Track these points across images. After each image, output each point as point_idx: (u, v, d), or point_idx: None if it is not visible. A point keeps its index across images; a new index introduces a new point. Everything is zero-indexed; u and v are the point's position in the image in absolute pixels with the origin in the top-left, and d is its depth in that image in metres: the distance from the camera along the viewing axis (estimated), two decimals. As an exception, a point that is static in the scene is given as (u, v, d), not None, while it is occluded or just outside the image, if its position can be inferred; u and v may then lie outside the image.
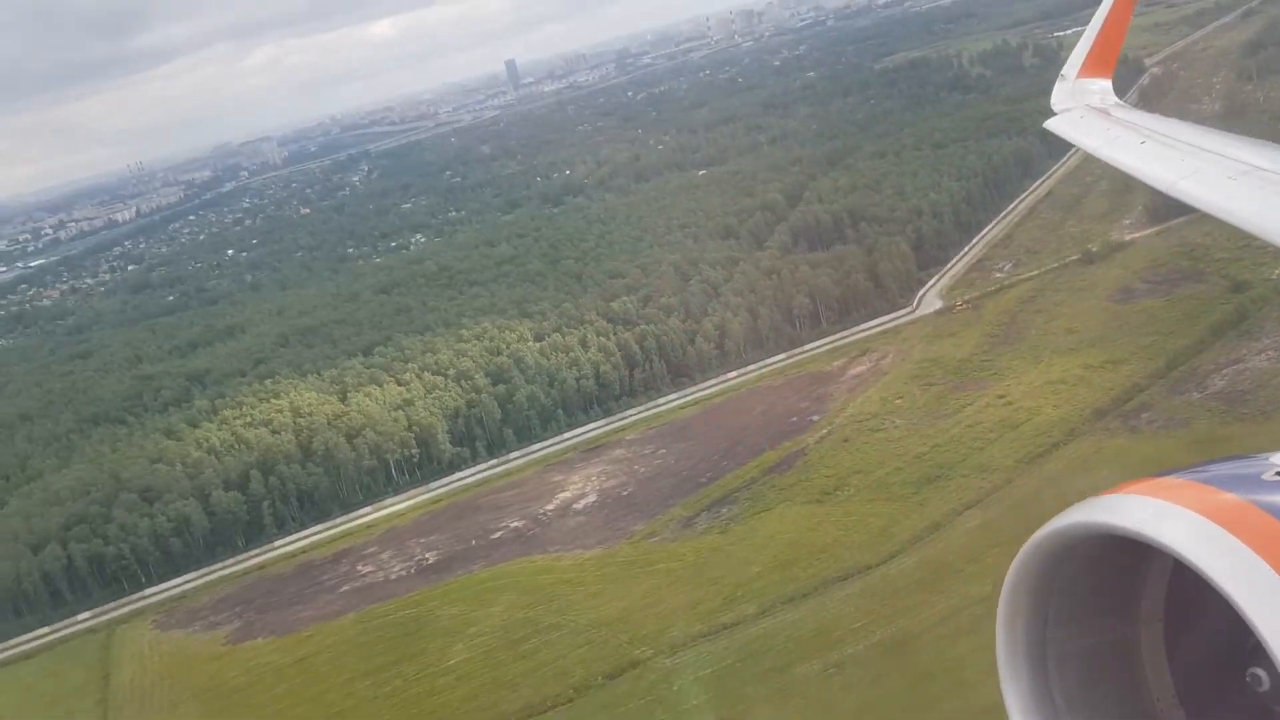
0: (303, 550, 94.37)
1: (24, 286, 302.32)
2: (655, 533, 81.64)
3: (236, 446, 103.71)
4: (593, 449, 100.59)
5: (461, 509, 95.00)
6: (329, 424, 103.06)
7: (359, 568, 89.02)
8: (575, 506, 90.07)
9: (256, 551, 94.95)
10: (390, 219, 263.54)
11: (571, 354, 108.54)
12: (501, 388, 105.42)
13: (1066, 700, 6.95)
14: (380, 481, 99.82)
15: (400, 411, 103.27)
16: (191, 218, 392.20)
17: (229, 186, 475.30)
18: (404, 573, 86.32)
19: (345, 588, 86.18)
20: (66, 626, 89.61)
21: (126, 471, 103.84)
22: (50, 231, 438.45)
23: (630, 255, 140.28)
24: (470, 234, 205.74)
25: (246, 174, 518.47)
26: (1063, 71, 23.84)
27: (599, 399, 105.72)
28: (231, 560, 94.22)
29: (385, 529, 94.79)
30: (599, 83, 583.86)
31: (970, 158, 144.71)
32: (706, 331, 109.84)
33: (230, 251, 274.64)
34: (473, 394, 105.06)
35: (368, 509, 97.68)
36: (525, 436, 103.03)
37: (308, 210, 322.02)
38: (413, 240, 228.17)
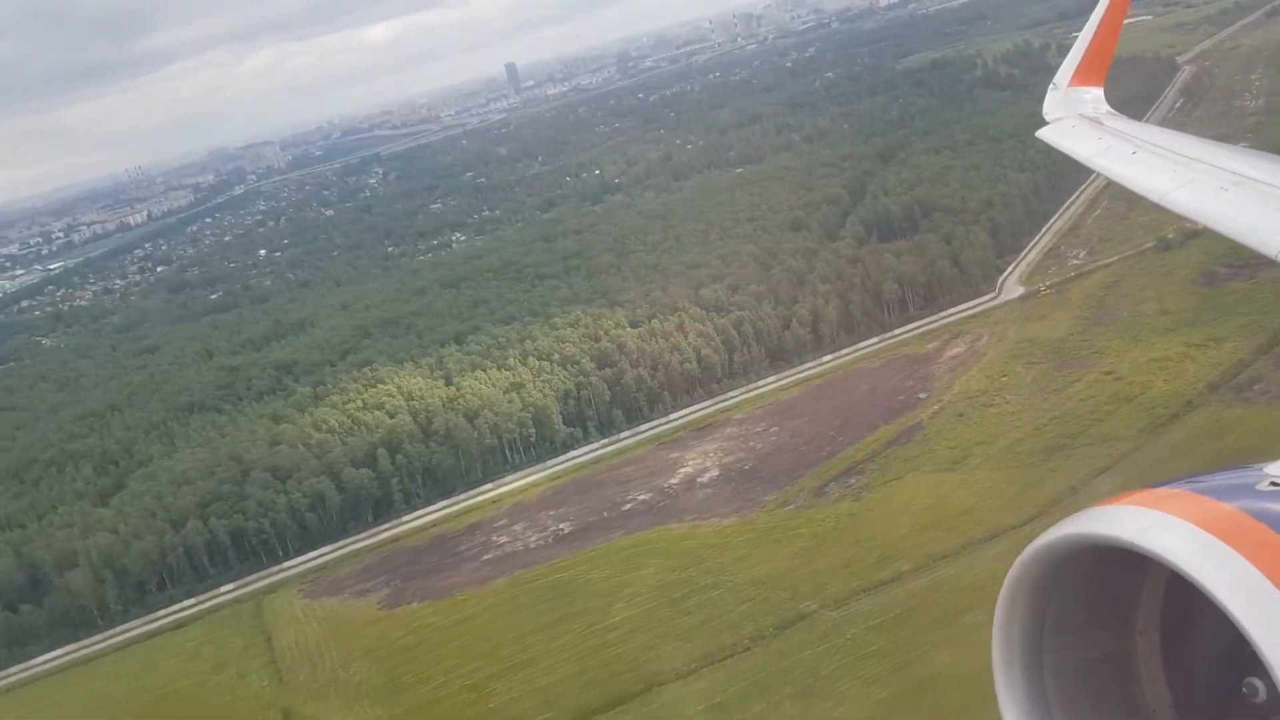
0: (433, 524, 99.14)
1: (51, 288, 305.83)
2: (788, 501, 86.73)
3: (355, 428, 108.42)
4: (703, 428, 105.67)
5: (584, 484, 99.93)
6: (445, 406, 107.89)
7: (494, 539, 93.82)
8: (700, 480, 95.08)
9: (386, 526, 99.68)
10: (421, 219, 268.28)
11: (671, 339, 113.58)
12: (608, 371, 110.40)
13: (1063, 711, 6.99)
14: (499, 460, 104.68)
15: (513, 394, 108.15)
16: (208, 220, 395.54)
17: (238, 190, 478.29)
18: (541, 542, 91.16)
19: (486, 556, 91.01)
20: (212, 597, 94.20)
21: (249, 453, 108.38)
22: (61, 235, 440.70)
23: (703, 247, 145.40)
24: (515, 231, 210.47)
25: (254, 177, 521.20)
26: (1054, 80, 24.23)
27: (701, 381, 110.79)
28: (364, 534, 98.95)
29: (511, 504, 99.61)
30: (603, 85, 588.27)
31: (1030, 151, 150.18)
32: (801, 316, 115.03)
33: (263, 252, 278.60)
34: (580, 377, 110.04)
35: (489, 485, 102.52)
36: (634, 417, 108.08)
37: (331, 212, 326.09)
38: (453, 239, 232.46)
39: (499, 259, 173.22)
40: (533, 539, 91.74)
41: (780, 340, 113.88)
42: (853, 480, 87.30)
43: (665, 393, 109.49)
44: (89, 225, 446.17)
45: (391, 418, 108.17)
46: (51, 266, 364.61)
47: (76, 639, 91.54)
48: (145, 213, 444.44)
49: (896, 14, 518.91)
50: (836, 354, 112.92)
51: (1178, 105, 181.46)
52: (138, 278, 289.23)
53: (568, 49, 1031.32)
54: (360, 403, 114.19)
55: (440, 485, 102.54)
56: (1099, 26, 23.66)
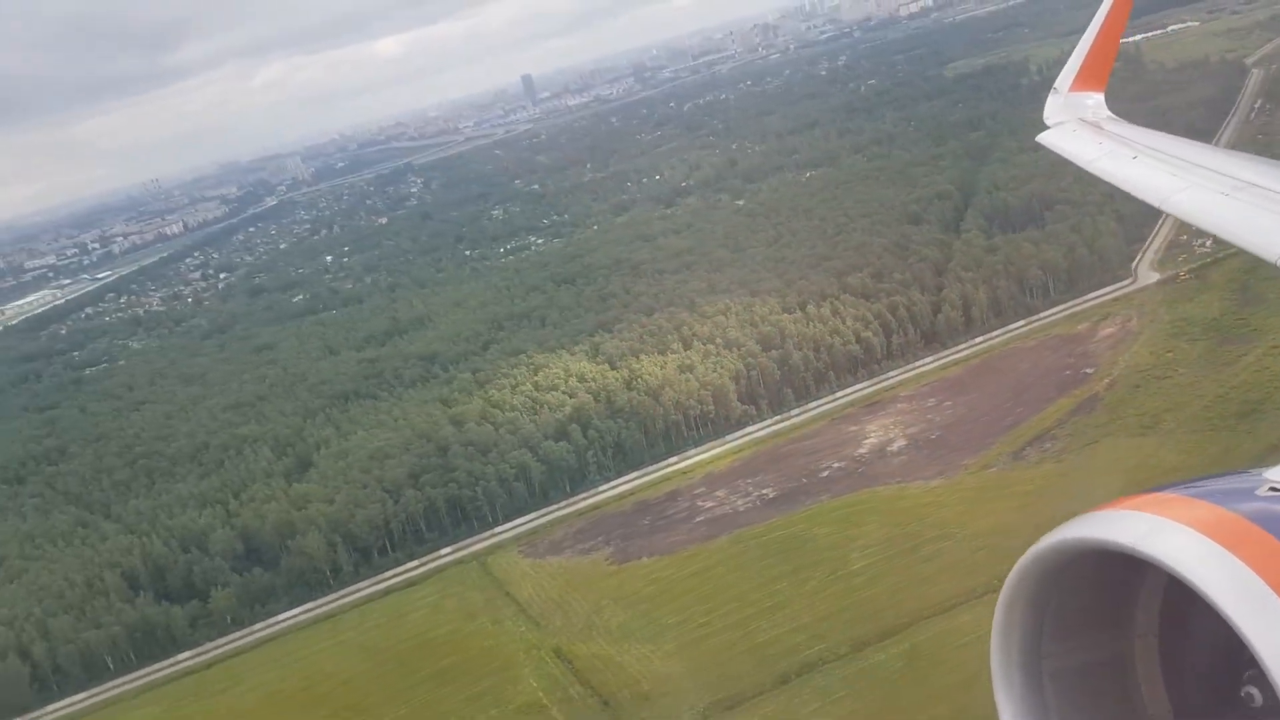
0: (630, 492, 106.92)
1: (112, 295, 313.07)
2: (989, 464, 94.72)
3: (537, 407, 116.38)
4: (872, 404, 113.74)
5: (771, 456, 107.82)
6: (625, 386, 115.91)
7: (699, 504, 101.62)
8: (889, 449, 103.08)
9: (584, 495, 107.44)
10: (486, 224, 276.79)
11: (829, 323, 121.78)
12: (775, 352, 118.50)
13: (1062, 715, 7.20)
14: (681, 435, 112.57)
15: (687, 374, 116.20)
16: (250, 229, 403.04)
17: (271, 201, 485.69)
18: (749, 506, 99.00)
19: (699, 519, 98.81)
20: (434, 559, 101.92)
21: (439, 432, 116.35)
22: (97, 246, 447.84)
23: (825, 241, 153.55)
24: (596, 234, 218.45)
25: (283, 189, 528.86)
26: (1055, 85, 24.92)
27: (863, 362, 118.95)
28: (564, 502, 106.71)
29: (702, 474, 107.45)
30: (626, 95, 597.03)
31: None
32: (951, 301, 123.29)
33: (329, 258, 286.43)
34: (748, 358, 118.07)
35: (674, 459, 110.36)
36: (802, 396, 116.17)
37: (384, 219, 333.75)
38: (531, 242, 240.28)
39: (606, 257, 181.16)
40: (739, 503, 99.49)
41: (933, 324, 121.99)
42: (1047, 445, 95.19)
43: (830, 372, 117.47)
44: (124, 236, 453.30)
45: (572, 397, 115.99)
46: (100, 275, 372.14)
47: (312, 598, 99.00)
48: (180, 224, 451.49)
49: (920, 23, 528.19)
50: (987, 336, 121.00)
51: (1257, 106, 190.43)
52: (202, 284, 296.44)
53: (573, 61, 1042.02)
54: (531, 385, 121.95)
55: (628, 458, 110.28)
56: (1100, 32, 24.33)
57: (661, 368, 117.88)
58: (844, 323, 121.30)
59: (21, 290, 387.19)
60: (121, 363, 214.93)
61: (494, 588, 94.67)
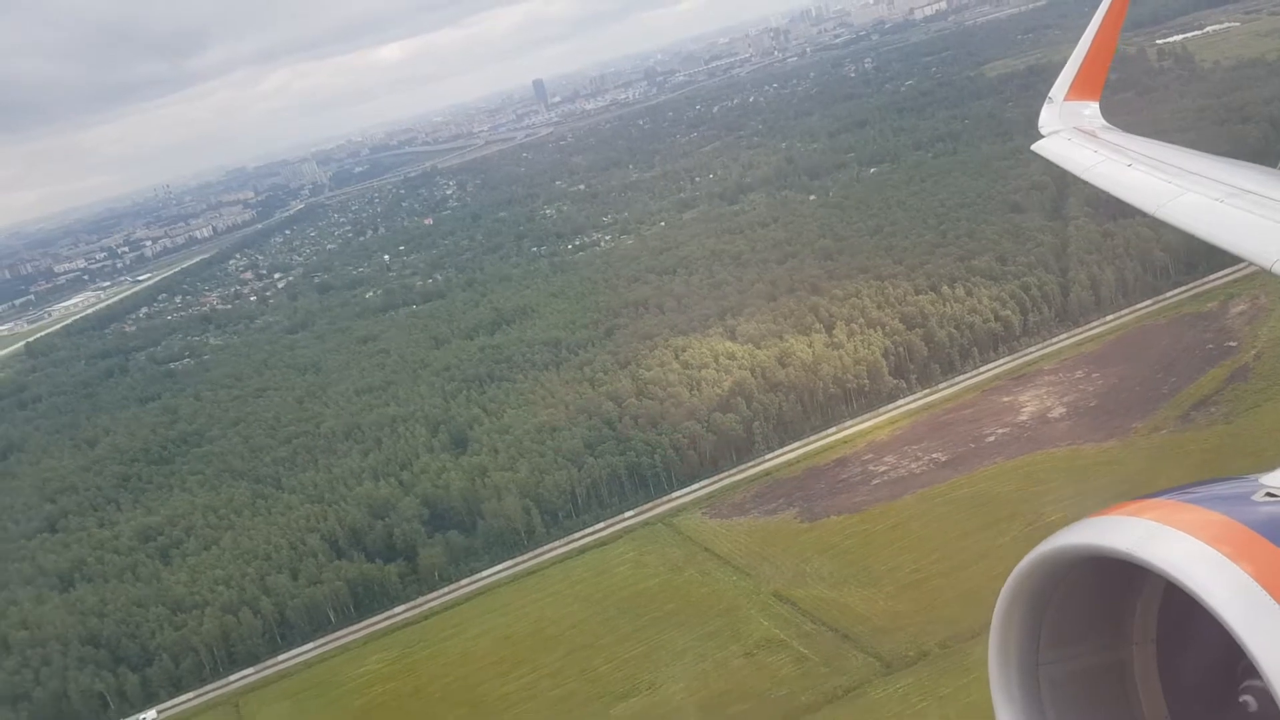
0: (797, 460, 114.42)
1: (164, 295, 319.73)
2: (1159, 428, 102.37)
3: (694, 384, 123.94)
4: (1018, 377, 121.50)
5: (930, 425, 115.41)
6: (779, 362, 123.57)
7: (870, 468, 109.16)
8: (1049, 416, 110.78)
9: (751, 464, 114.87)
10: (541, 222, 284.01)
11: (965, 303, 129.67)
12: (919, 330, 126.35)
13: None
14: (837, 408, 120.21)
15: (838, 350, 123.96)
16: (287, 232, 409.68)
17: (298, 205, 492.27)
18: (923, 468, 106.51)
19: (875, 481, 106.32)
20: (618, 521, 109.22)
21: (599, 408, 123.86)
22: (126, 249, 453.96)
23: (932, 229, 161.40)
24: (668, 230, 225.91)
25: (306, 192, 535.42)
26: (1050, 94, 25.62)
27: (1002, 339, 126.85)
28: (734, 470, 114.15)
29: (864, 443, 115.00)
30: (645, 99, 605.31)
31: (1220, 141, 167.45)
32: (1081, 281, 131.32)
33: (386, 256, 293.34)
34: (894, 335, 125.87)
35: (832, 430, 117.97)
36: (948, 371, 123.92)
37: (430, 220, 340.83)
38: (599, 239, 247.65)
39: (700, 249, 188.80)
40: (913, 466, 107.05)
41: (1064, 303, 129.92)
42: (1212, 410, 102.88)
43: (973, 349, 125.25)
44: (152, 240, 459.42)
45: (728, 374, 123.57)
46: (140, 277, 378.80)
47: (510, 557, 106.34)
48: (209, 227, 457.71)
49: (939, 26, 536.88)
50: (1118, 314, 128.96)
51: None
52: (259, 283, 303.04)
53: (576, 66, 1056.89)
54: (680, 364, 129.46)
55: (788, 430, 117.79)
56: (1094, 41, 25.12)
57: (809, 346, 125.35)
58: (980, 302, 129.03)
59: (60, 293, 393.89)
60: (206, 356, 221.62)
61: (689, 545, 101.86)
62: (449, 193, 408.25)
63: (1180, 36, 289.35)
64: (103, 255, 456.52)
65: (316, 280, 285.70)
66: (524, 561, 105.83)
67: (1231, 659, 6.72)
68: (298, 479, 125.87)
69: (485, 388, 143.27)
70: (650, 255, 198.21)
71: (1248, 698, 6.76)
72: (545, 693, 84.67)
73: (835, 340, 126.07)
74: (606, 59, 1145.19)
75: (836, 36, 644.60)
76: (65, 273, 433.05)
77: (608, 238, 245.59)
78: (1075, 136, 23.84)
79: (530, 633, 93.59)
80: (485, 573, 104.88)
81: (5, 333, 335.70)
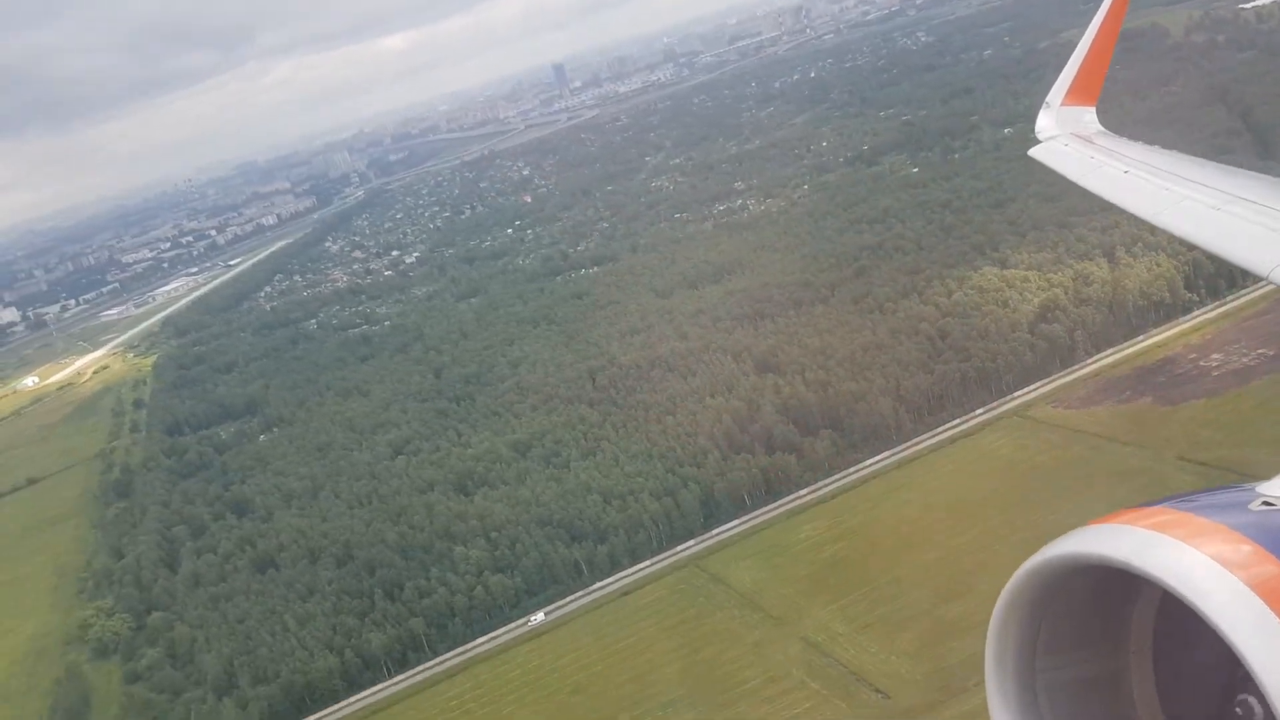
0: (1123, 360, 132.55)
1: (279, 276, 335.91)
2: None
3: (1000, 304, 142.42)
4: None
5: (1240, 329, 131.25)
6: (1083, 282, 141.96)
7: (1200, 364, 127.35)
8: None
9: (1078, 366, 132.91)
10: (660, 193, 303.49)
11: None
12: (1199, 249, 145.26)
13: None
14: (1143, 317, 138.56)
15: (1131, 270, 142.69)
16: (365, 216, 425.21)
17: (358, 193, 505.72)
18: (1256, 362, 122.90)
19: (1215, 373, 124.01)
20: (970, 419, 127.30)
21: (917, 326, 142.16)
22: (190, 239, 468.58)
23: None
24: (818, 191, 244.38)
25: (356, 179, 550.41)
26: (1047, 100, 26.51)
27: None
28: (1063, 372, 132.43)
29: (1181, 345, 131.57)
30: (679, 81, 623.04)
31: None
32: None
33: (510, 230, 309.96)
34: (1179, 255, 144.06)
35: (1140, 338, 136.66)
36: (1231, 285, 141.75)
37: (528, 198, 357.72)
38: (742, 204, 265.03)
39: (893, 200, 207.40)
40: (1245, 360, 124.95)
41: None
42: None
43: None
44: (216, 230, 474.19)
45: (1034, 296, 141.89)
46: (232, 262, 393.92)
47: (886, 449, 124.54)
48: (273, 215, 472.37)
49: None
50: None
51: None
52: (378, 261, 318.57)
53: (576, 49, 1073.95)
54: (974, 290, 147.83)
55: (1102, 338, 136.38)
56: (1091, 46, 25.80)
57: (1099, 268, 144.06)
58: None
59: (145, 280, 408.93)
60: (388, 323, 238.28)
61: (1056, 430, 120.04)
62: (525, 173, 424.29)
63: (1252, 5, 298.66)
64: (166, 245, 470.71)
65: (449, 253, 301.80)
66: (900, 452, 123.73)
67: (1228, 668, 6.96)
68: (634, 399, 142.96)
69: (763, 323, 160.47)
70: (842, 209, 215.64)
71: (1247, 699, 7.02)
72: (1004, 539, 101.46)
73: (1123, 261, 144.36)
74: (608, 43, 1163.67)
75: (865, 14, 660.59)
76: (136, 262, 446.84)
77: (753, 202, 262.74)
78: (1072, 142, 24.67)
79: (951, 501, 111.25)
80: (868, 461, 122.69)
81: (117, 316, 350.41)
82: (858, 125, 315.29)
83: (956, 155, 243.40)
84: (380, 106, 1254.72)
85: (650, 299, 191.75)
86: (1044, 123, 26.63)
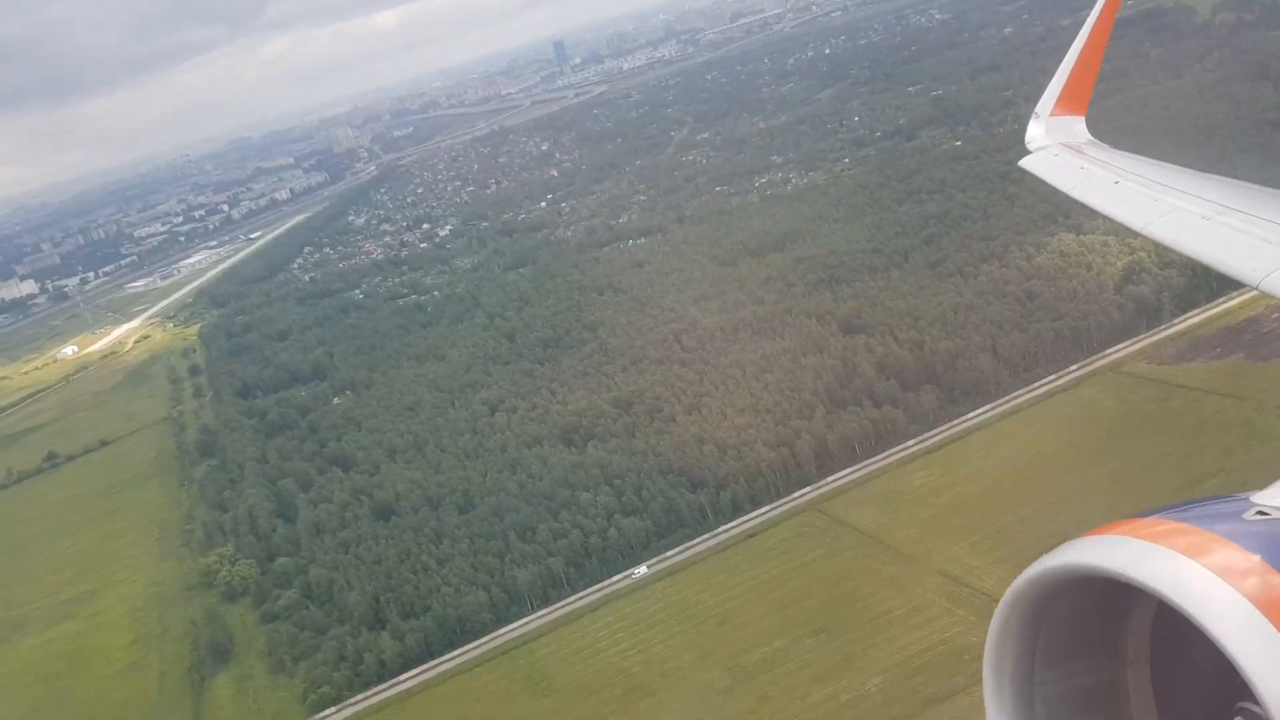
0: (1208, 321, 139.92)
1: (308, 249, 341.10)
2: None
3: (1084, 267, 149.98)
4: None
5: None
6: (1149, 255, 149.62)
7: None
8: None
9: (1164, 327, 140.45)
10: (691, 168, 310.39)
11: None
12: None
13: None
14: (1217, 283, 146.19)
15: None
16: (383, 190, 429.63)
17: (370, 169, 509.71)
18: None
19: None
20: (1064, 375, 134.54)
21: (1004, 288, 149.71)
22: (201, 213, 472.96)
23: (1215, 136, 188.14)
24: (859, 166, 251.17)
25: (365, 154, 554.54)
26: (1036, 110, 27.22)
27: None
28: (1149, 333, 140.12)
29: (1264, 305, 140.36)
30: (684, 58, 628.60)
31: None
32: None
33: (543, 204, 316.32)
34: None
35: (1223, 299, 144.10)
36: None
37: (555, 172, 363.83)
38: (783, 177, 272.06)
39: (948, 171, 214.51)
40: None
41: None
42: None
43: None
44: (227, 206, 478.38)
45: (1117, 259, 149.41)
46: (252, 235, 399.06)
47: (983, 404, 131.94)
48: (286, 190, 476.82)
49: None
50: None
51: None
52: (409, 235, 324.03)
53: (564, 27, 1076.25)
54: (1057, 255, 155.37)
55: (1185, 299, 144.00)
56: (1080, 56, 26.77)
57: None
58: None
59: (164, 253, 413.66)
60: (436, 293, 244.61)
61: (1152, 384, 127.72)
62: (544, 149, 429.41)
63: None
64: (177, 219, 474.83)
65: (483, 226, 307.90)
66: (1000, 405, 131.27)
67: (1225, 678, 7.05)
68: (725, 360, 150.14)
69: (839, 288, 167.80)
70: (896, 181, 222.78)
71: (1245, 707, 7.13)
72: (1125, 481, 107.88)
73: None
74: (603, 20, 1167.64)
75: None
76: (149, 236, 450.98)
77: (794, 175, 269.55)
78: (1062, 152, 25.04)
79: (1062, 448, 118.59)
80: (967, 416, 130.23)
81: (144, 288, 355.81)
82: (887, 100, 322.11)
83: (1000, 129, 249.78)
84: (372, 83, 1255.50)
85: (714, 267, 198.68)
86: (1034, 133, 27.15)
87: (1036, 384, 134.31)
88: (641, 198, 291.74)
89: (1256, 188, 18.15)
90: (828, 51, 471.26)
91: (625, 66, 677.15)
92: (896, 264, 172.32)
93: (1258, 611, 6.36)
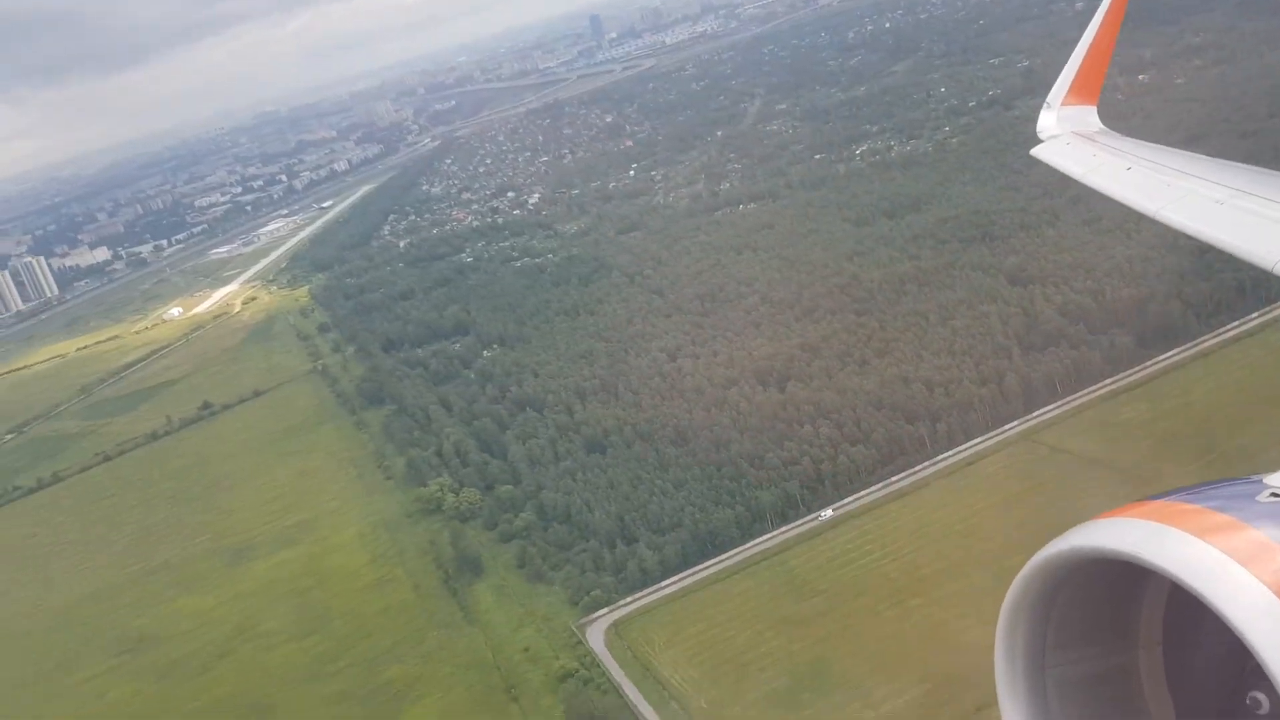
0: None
1: (393, 217, 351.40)
2: None
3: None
4: None
5: None
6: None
7: None
8: None
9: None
10: (778, 138, 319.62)
11: None
12: None
13: None
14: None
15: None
16: (449, 161, 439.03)
17: (428, 141, 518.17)
18: None
19: None
20: (1232, 329, 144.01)
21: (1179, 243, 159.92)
22: (260, 183, 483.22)
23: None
24: (961, 135, 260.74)
25: (415, 127, 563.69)
26: (1048, 99, 27.96)
27: None
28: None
29: None
30: (728, 32, 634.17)
31: None
32: None
33: (631, 173, 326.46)
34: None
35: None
36: None
37: (630, 142, 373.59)
38: (887, 145, 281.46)
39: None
40: None
41: None
42: None
43: None
44: (283, 176, 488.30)
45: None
46: (324, 205, 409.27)
47: (1172, 347, 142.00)
48: (345, 161, 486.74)
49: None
50: None
51: None
52: (496, 202, 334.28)
53: (591, 2, 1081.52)
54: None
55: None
56: (1091, 45, 27.95)
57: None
58: None
59: (235, 220, 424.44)
60: (550, 255, 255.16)
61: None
62: (609, 120, 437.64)
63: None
64: (237, 189, 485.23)
65: (575, 194, 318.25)
66: (1193, 346, 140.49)
67: (1238, 661, 7.18)
68: (901, 309, 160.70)
69: (994, 244, 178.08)
70: (1010, 147, 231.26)
71: (1257, 693, 7.29)
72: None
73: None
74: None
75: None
76: (212, 206, 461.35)
77: (895, 144, 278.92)
78: (1074, 141, 25.54)
79: (1263, 383, 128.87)
80: (1160, 357, 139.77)
81: (227, 255, 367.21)
82: (971, 73, 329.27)
83: (1102, 97, 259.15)
84: (392, 58, 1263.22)
85: (850, 228, 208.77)
86: (1045, 122, 27.72)
87: (1222, 329, 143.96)
88: (736, 166, 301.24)
89: (1272, 173, 18.20)
90: (887, 25, 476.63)
91: (668, 41, 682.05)
92: (1048, 222, 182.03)
93: (1272, 594, 6.50)
